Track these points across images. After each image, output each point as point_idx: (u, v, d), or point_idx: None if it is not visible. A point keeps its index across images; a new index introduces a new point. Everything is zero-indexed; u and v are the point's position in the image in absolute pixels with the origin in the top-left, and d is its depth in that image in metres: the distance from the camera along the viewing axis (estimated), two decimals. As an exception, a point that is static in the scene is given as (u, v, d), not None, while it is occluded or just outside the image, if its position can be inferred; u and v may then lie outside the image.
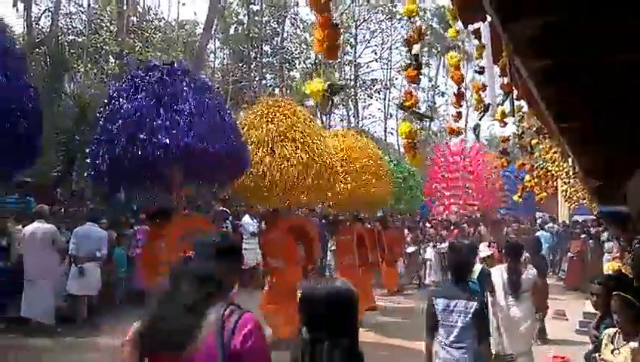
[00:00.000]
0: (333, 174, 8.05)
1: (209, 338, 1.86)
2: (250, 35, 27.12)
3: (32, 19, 17.81)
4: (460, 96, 3.47)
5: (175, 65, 6.50)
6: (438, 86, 35.23)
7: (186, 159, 5.67)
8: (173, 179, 6.14)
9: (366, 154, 9.61)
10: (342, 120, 31.97)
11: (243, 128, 7.35)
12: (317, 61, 28.98)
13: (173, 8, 37.52)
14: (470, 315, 3.62)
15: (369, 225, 11.24)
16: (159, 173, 6.04)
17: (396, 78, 33.41)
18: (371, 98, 33.06)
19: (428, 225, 17.18)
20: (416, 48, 2.97)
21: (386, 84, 33.16)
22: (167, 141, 5.41)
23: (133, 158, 5.48)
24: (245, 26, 27.84)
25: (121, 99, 5.83)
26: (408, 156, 3.36)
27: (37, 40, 16.83)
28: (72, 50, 18.82)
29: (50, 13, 19.17)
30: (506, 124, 5.19)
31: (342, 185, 8.81)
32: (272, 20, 29.23)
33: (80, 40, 19.65)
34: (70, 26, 20.16)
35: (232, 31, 28.56)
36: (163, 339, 1.91)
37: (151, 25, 22.87)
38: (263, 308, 7.32)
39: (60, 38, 17.92)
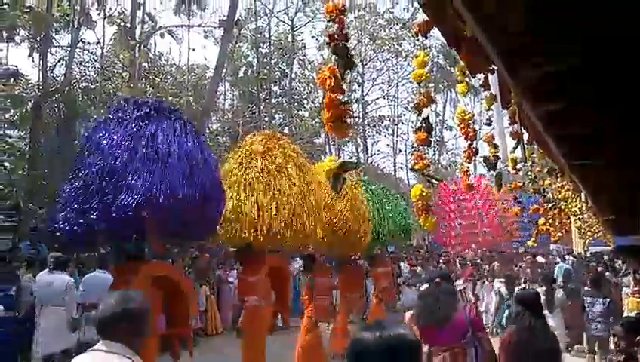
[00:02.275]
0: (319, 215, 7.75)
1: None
2: (260, 76, 27.60)
3: (47, 68, 18.26)
4: (472, 153, 3.47)
5: (161, 103, 6.15)
6: (446, 120, 35.44)
7: (159, 207, 5.09)
8: (147, 226, 5.43)
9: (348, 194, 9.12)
10: (351, 157, 32.14)
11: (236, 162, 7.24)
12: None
13: (183, 54, 38.37)
14: None
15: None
16: (132, 218, 5.20)
17: (404, 114, 33.72)
18: (380, 134, 33.32)
19: (440, 261, 16.99)
20: (425, 112, 2.99)
21: (393, 120, 33.45)
22: (139, 185, 4.96)
23: (106, 200, 4.97)
24: (254, 68, 28.37)
25: (99, 134, 5.38)
26: (421, 220, 3.32)
27: (52, 89, 17.22)
28: (85, 97, 19.24)
29: (64, 62, 19.69)
30: (518, 170, 5.18)
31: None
32: (280, 62, 29.82)
33: (93, 87, 20.10)
34: (84, 74, 20.67)
35: (241, 73, 29.11)
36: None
37: (162, 70, 23.39)
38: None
39: (73, 85, 18.37)
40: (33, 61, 20.29)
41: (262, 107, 27.43)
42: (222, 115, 27.68)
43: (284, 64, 29.87)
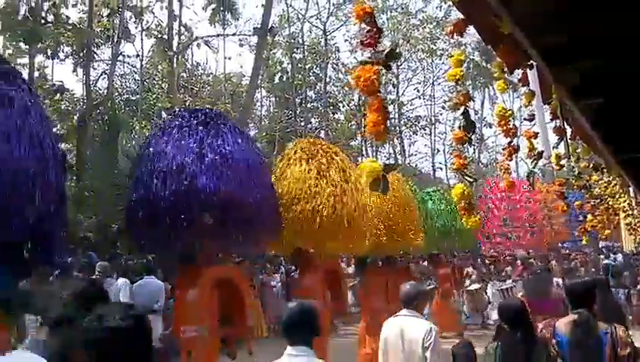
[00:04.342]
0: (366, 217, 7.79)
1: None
2: (295, 82, 27.82)
3: (90, 82, 18.90)
4: (513, 150, 3.41)
5: (216, 111, 6.39)
6: (485, 118, 34.83)
7: (224, 207, 5.30)
8: (206, 228, 5.56)
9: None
10: (388, 158, 31.99)
11: (282, 166, 7.30)
12: (360, 102, 29.39)
13: (219, 63, 39.03)
14: None
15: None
16: (193, 219, 5.48)
17: (440, 113, 33.32)
18: (417, 135, 33.04)
19: (487, 261, 16.70)
20: (462, 110, 2.97)
21: (430, 120, 33.11)
22: (207, 186, 5.14)
23: (169, 203, 5.16)
24: (289, 73, 28.62)
25: (160, 141, 5.61)
26: (464, 219, 3.30)
27: (95, 102, 17.83)
28: (127, 108, 19.85)
29: (106, 76, 20.34)
30: (562, 167, 5.07)
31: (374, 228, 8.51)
32: (314, 67, 29.97)
33: (134, 98, 20.70)
34: (125, 86, 21.33)
35: (276, 79, 29.41)
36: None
37: (200, 80, 23.88)
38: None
39: (115, 98, 18.97)
40: (77, 76, 21.10)
41: (298, 112, 27.63)
42: (259, 121, 28.02)
43: (318, 68, 30.01)
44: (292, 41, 28.43)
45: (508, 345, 3.56)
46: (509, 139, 3.38)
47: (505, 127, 3.11)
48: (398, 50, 2.57)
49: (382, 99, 2.34)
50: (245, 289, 6.16)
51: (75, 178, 14.49)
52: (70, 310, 1.98)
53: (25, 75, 18.26)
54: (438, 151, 33.53)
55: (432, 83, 32.69)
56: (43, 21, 17.13)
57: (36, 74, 18.25)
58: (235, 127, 5.98)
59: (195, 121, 5.64)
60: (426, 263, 13.18)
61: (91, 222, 13.41)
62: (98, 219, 13.26)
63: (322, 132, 27.38)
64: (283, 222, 6.63)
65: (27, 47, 16.93)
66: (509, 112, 3.13)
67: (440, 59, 30.91)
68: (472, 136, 3.06)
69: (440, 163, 33.42)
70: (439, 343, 3.68)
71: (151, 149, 5.63)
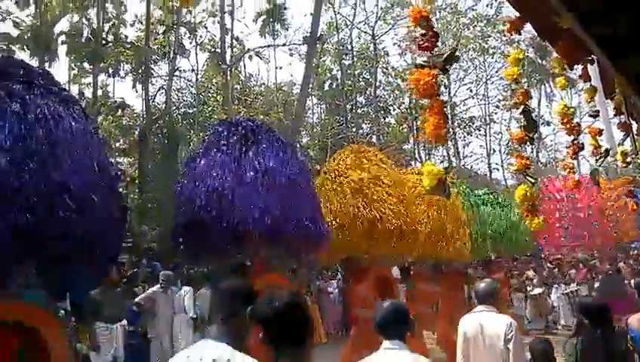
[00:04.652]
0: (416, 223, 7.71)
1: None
2: (345, 88, 27.93)
3: (149, 97, 19.69)
4: (577, 148, 3.30)
5: (258, 122, 6.33)
6: (542, 115, 33.71)
7: (266, 224, 5.26)
8: (252, 243, 5.62)
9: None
10: (442, 161, 31.49)
11: (332, 174, 7.32)
12: (411, 105, 29.15)
13: (271, 73, 39.74)
14: None
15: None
16: (238, 235, 5.49)
17: (495, 113, 32.48)
18: (471, 135, 32.37)
19: (550, 265, 16.13)
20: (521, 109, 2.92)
21: (485, 120, 32.37)
22: (247, 204, 5.15)
23: (212, 219, 5.22)
24: (339, 80, 28.77)
25: (200, 160, 5.67)
26: (527, 221, 3.25)
27: (154, 116, 18.55)
28: (184, 122, 20.54)
29: (163, 91, 21.15)
30: (628, 164, 4.87)
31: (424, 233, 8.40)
32: (364, 72, 29.99)
33: (191, 112, 21.40)
34: (182, 100, 22.09)
35: (326, 86, 29.62)
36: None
37: (253, 91, 24.38)
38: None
39: (173, 112, 19.68)
40: (136, 92, 22.04)
41: (348, 118, 27.71)
42: (310, 129, 28.29)
43: (367, 73, 30.01)
44: (341, 47, 28.59)
45: (589, 341, 3.68)
46: (572, 137, 3.30)
47: (567, 125, 3.04)
48: (457, 54, 2.59)
49: (442, 102, 2.37)
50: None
51: (137, 190, 15.11)
52: (230, 306, 2.30)
53: (89, 94, 19.28)
54: (494, 151, 32.66)
55: (485, 82, 31.97)
56: (104, 42, 18.04)
57: (99, 92, 19.19)
58: (277, 139, 5.93)
59: (235, 138, 5.65)
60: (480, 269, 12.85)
61: (155, 233, 13.93)
62: (160, 229, 13.77)
63: (374, 137, 27.32)
64: (331, 231, 6.67)
65: (91, 66, 17.86)
66: (571, 110, 3.06)
67: (492, 57, 30.24)
68: (534, 136, 3.02)
69: (496, 164, 32.57)
70: (520, 336, 3.78)
71: (193, 168, 5.69)
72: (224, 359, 2.16)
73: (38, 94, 3.69)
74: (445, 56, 2.47)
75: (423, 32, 2.80)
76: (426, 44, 2.57)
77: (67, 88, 18.77)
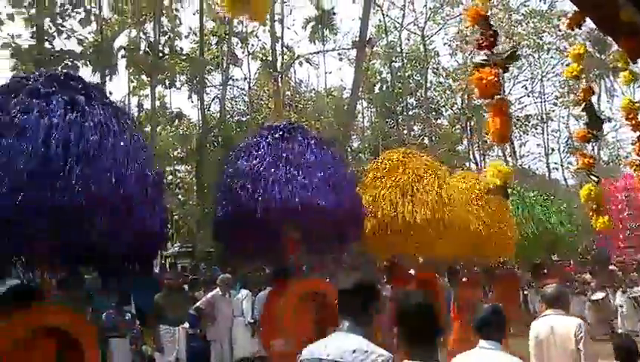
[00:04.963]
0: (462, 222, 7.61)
1: None
2: (395, 90, 27.78)
3: (204, 107, 20.28)
4: None
5: (296, 125, 6.47)
6: (603, 111, 32.29)
7: (302, 215, 5.36)
8: (290, 238, 5.70)
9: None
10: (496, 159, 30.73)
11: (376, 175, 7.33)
12: (463, 106, 28.65)
13: (321, 78, 40.03)
14: None
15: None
16: (275, 230, 5.65)
17: (552, 110, 31.38)
18: (527, 134, 31.41)
19: (614, 267, 15.41)
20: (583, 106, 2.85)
21: (542, 118, 31.35)
22: (281, 196, 5.25)
23: (249, 214, 5.34)
24: (389, 82, 28.65)
25: (240, 159, 5.84)
26: (593, 221, 3.16)
27: (210, 125, 19.09)
28: (238, 129, 21.02)
29: (218, 100, 21.73)
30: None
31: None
32: (414, 73, 29.74)
33: (244, 119, 21.89)
34: (235, 108, 22.63)
35: (376, 89, 29.55)
36: None
37: (303, 96, 24.66)
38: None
39: (227, 120, 20.18)
40: (192, 102, 22.75)
41: (399, 120, 27.53)
42: (361, 132, 28.29)
43: (417, 75, 29.74)
44: (390, 50, 28.46)
45: None
46: (638, 133, 3.19)
47: (633, 121, 2.94)
48: (518, 52, 2.57)
49: (506, 101, 2.36)
50: (334, 301, 6.05)
51: (196, 197, 15.59)
52: (361, 302, 2.49)
53: (148, 105, 20.04)
54: (553, 150, 31.55)
55: (541, 79, 30.97)
56: (161, 54, 18.71)
57: (157, 103, 19.93)
58: (316, 139, 6.06)
59: (274, 137, 5.81)
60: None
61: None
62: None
63: (425, 139, 27.03)
64: (372, 231, 6.67)
65: (149, 79, 18.58)
66: (637, 105, 2.95)
67: (547, 54, 29.28)
68: (597, 133, 2.94)
69: (555, 163, 31.45)
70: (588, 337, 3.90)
71: (230, 169, 5.88)
72: (362, 349, 2.32)
73: (95, 105, 3.94)
74: (506, 54, 2.46)
75: (482, 30, 2.79)
76: (485, 43, 2.57)
77: (127, 100, 19.65)
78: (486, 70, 2.40)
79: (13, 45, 15.71)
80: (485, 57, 2.50)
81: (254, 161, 5.58)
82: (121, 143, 3.91)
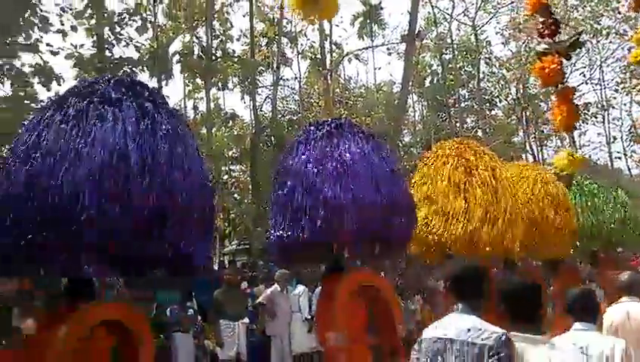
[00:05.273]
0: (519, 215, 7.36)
1: None
2: (446, 82, 27.37)
3: (257, 107, 20.69)
4: None
5: (344, 120, 6.36)
6: (667, 96, 30.63)
7: (350, 212, 5.26)
8: (340, 235, 5.50)
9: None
10: (556, 151, 29.72)
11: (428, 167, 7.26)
12: (518, 96, 27.86)
13: (370, 73, 39.93)
14: None
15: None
16: (323, 228, 5.40)
17: (613, 97, 30.01)
18: (587, 123, 30.19)
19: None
20: None
21: (602, 106, 30.06)
22: (330, 193, 5.22)
23: (305, 216, 5.27)
24: (440, 75, 28.25)
25: (292, 156, 5.78)
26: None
27: (262, 125, 19.47)
28: (289, 128, 21.33)
29: (269, 100, 22.12)
30: None
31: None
32: (465, 64, 29.18)
33: (295, 118, 22.19)
34: (286, 108, 22.98)
35: (427, 83, 29.20)
36: None
37: (353, 93, 24.70)
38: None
39: (279, 119, 20.52)
40: (244, 103, 23.27)
41: (452, 113, 27.10)
42: (412, 127, 28.05)
43: (469, 66, 29.16)
44: (440, 41, 28.04)
45: None
46: None
47: None
48: (581, 40, 2.56)
49: (572, 89, 2.36)
50: (391, 297, 5.97)
51: (251, 195, 15.96)
52: (476, 286, 2.84)
53: (202, 107, 20.60)
54: (615, 139, 30.20)
55: (600, 65, 29.68)
56: (214, 57, 19.22)
57: (212, 105, 20.48)
58: (359, 132, 5.92)
59: (319, 134, 5.71)
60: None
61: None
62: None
63: (479, 131, 26.49)
64: (424, 227, 6.59)
65: (203, 82, 19.13)
66: None
67: (606, 38, 28.01)
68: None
69: (618, 152, 30.10)
70: None
71: (283, 166, 5.83)
72: (477, 327, 2.64)
73: (162, 113, 3.99)
74: (569, 42, 2.46)
75: (543, 19, 2.79)
76: (547, 31, 2.57)
77: (184, 103, 20.25)
78: (548, 59, 2.41)
79: (76, 55, 16.57)
80: (547, 46, 2.50)
81: (302, 159, 5.56)
82: (190, 151, 4.02)
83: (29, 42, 15.24)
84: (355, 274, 5.83)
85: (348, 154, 5.49)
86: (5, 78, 15.33)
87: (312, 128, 5.92)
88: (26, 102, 15.17)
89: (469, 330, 2.63)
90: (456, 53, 28.36)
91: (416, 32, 21.56)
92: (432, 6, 27.05)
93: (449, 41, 28.13)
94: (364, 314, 5.61)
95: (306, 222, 5.26)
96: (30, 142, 3.55)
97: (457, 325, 2.69)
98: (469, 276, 2.84)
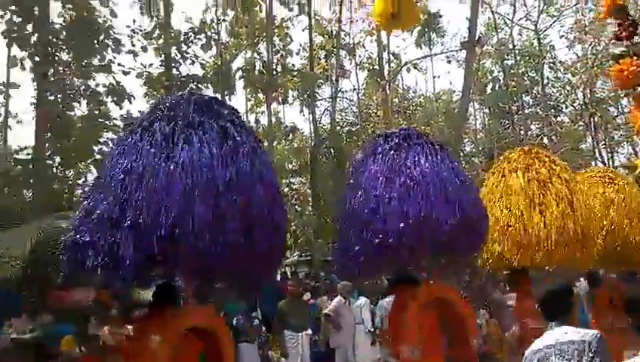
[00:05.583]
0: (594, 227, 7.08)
1: None
2: (509, 89, 26.69)
3: (316, 120, 20.97)
4: None
5: (410, 130, 6.27)
6: None
7: (421, 231, 5.22)
8: (409, 249, 5.42)
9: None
10: (628, 158, 28.24)
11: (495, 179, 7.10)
12: (585, 100, 26.74)
13: (429, 82, 39.55)
14: None
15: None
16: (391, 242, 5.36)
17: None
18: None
19: None
20: None
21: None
22: (399, 208, 5.20)
23: (371, 230, 5.28)
24: (502, 81, 27.60)
25: (360, 169, 5.82)
26: None
27: (321, 137, 19.72)
28: (348, 140, 21.46)
29: (328, 112, 22.37)
30: None
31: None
32: (528, 70, 28.36)
33: (354, 129, 22.30)
34: (345, 119, 23.13)
35: (488, 90, 28.59)
36: None
37: (412, 102, 24.55)
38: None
39: (338, 131, 20.69)
40: (303, 115, 23.61)
41: (515, 120, 26.37)
42: (474, 135, 27.50)
43: (532, 71, 28.31)
44: (501, 47, 27.41)
45: None
46: None
47: None
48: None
49: None
50: (465, 310, 5.90)
51: (311, 207, 16.16)
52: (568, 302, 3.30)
53: (264, 121, 21.13)
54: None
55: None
56: (274, 72, 19.69)
57: (273, 119, 20.95)
58: (428, 143, 5.83)
59: (388, 146, 5.70)
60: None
61: (330, 246, 14.75)
62: (335, 243, 14.53)
63: (544, 138, 25.61)
64: (495, 239, 6.44)
65: (264, 96, 19.62)
66: None
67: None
68: None
69: (699, 157, 28.23)
70: None
71: (352, 180, 5.90)
72: (573, 331, 3.06)
73: (242, 132, 4.22)
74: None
75: (619, 21, 2.75)
76: (624, 33, 2.53)
77: (246, 118, 20.85)
78: (626, 61, 2.38)
79: (145, 74, 17.45)
80: (625, 48, 2.47)
81: (371, 173, 5.57)
82: (265, 166, 4.25)
83: (103, 63, 16.21)
84: (428, 287, 5.77)
85: (417, 168, 5.45)
86: (82, 98, 16.36)
87: (380, 140, 5.91)
88: (100, 120, 16.16)
89: (566, 333, 3.03)
90: (518, 58, 27.62)
91: (476, 38, 21.22)
92: (492, 11, 26.52)
93: (510, 46, 27.45)
94: (437, 327, 5.58)
95: (375, 236, 5.24)
96: (123, 167, 3.84)
97: (555, 335, 3.08)
98: (559, 299, 3.22)
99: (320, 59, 22.94)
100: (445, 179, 5.47)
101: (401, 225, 5.17)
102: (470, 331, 5.80)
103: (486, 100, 28.32)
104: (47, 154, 15.65)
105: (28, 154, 16.03)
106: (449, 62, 27.68)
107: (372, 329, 8.77)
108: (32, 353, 6.77)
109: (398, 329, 5.62)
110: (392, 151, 5.64)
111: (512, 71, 27.43)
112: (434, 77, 28.58)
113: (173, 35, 17.23)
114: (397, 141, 5.74)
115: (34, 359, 6.86)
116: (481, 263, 7.36)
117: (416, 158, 5.54)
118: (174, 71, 17.38)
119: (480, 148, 26.16)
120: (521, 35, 28.64)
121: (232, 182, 3.85)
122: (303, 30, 22.00)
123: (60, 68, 15.94)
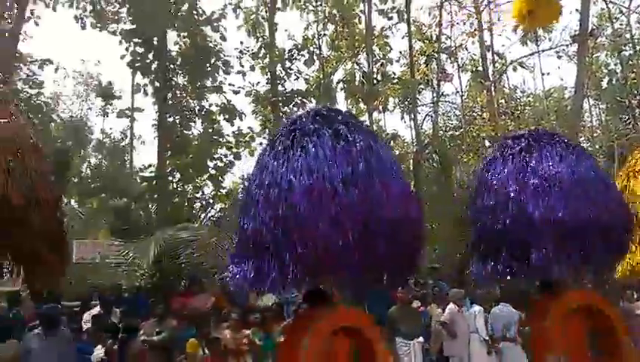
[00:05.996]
0: None
1: None
2: (628, 82, 24.71)
3: (418, 125, 20.80)
4: None
5: (540, 130, 6.11)
6: None
7: (559, 236, 5.02)
8: (545, 254, 5.19)
9: None
10: None
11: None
12: None
13: (537, 80, 37.67)
14: None
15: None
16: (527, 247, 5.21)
17: None
18: None
19: None
20: None
21: None
22: (536, 214, 5.01)
23: (506, 234, 5.18)
24: (619, 74, 25.62)
25: (489, 172, 5.67)
26: None
27: (424, 143, 19.54)
28: (452, 144, 21.04)
29: (430, 118, 22.11)
30: None
31: None
32: (650, 59, 26.06)
33: (457, 133, 21.83)
34: (447, 124, 22.71)
35: (604, 84, 26.67)
36: None
37: (519, 102, 23.55)
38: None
39: (441, 136, 20.37)
40: (404, 122, 23.54)
41: (636, 115, 24.32)
42: (590, 133, 25.76)
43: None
44: (617, 38, 25.45)
45: None
46: None
47: None
48: None
49: None
50: (616, 317, 5.58)
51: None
52: None
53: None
54: None
55: None
56: (375, 81, 19.87)
57: (374, 127, 21.09)
58: (560, 142, 5.61)
59: (518, 148, 5.56)
60: None
61: (435, 253, 14.56)
62: (440, 249, 14.33)
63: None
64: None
65: (365, 106, 19.87)
66: None
67: None
68: None
69: None
70: None
71: (480, 183, 5.80)
72: None
73: (355, 131, 4.46)
74: None
75: None
76: None
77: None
78: None
79: (253, 92, 18.45)
80: None
81: (501, 175, 5.47)
82: (386, 163, 4.41)
83: (215, 84, 17.41)
84: (572, 294, 5.57)
85: (552, 168, 5.26)
86: (197, 118, 17.66)
87: (508, 142, 5.79)
88: (214, 137, 17.34)
89: None
90: (637, 48, 25.50)
91: (588, 30, 19.94)
92: (605, 1, 24.77)
93: (627, 36, 25.43)
94: (583, 335, 5.38)
95: (510, 241, 5.15)
96: (258, 181, 4.35)
97: None
98: None
99: (420, 65, 22.77)
100: (583, 179, 5.24)
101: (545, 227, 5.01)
102: (623, 342, 5.46)
103: (602, 95, 26.45)
104: (168, 171, 17.06)
105: (151, 172, 17.61)
106: (559, 57, 26.23)
107: (487, 338, 8.51)
108: (162, 354, 7.46)
109: (540, 337, 5.47)
110: (522, 153, 5.53)
111: (630, 62, 25.38)
112: (543, 74, 27.19)
113: (277, 53, 18.07)
114: (526, 142, 5.61)
115: (166, 360, 7.55)
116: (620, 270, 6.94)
117: (549, 158, 5.37)
118: (280, 87, 18.19)
119: (598, 147, 24.43)
120: (639, 23, 26.46)
121: (347, 179, 4.06)
122: (402, 37, 22.08)
123: (177, 91, 17.36)
